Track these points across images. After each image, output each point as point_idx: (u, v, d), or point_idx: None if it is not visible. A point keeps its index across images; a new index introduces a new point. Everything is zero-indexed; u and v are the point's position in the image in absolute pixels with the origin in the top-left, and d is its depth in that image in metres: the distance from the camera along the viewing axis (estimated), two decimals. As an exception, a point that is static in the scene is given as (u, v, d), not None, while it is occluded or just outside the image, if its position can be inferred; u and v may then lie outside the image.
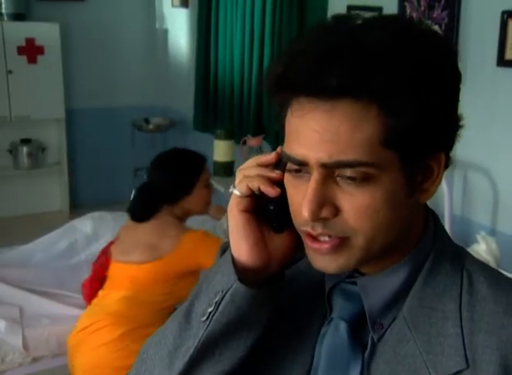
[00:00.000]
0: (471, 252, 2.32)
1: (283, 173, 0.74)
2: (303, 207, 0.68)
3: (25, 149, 4.76)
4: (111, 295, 2.20)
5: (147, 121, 4.96)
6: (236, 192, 0.75)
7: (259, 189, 0.74)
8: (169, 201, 2.23)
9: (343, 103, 0.65)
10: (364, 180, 0.66)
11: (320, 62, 0.64)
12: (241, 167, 0.78)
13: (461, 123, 0.72)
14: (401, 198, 0.69)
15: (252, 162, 0.77)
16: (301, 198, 0.69)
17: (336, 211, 0.68)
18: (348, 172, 0.66)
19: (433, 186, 0.72)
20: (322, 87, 0.65)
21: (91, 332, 2.12)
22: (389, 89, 0.64)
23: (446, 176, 2.72)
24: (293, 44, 0.70)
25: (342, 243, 0.69)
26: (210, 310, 0.73)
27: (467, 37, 2.52)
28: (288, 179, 0.73)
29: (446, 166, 0.73)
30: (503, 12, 2.32)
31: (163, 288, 2.16)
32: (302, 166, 0.69)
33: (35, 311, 2.62)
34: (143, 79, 5.17)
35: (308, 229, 0.70)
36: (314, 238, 0.70)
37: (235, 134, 3.78)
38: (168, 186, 2.22)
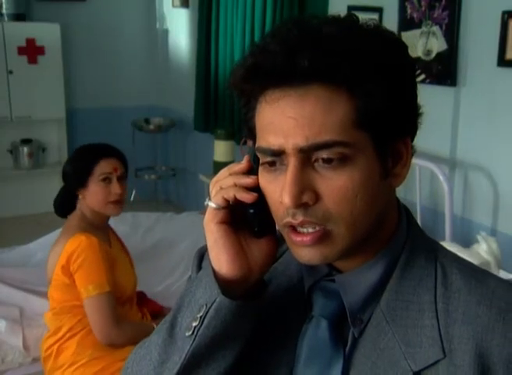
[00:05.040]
0: (472, 252, 2.31)
1: (257, 177, 0.75)
2: (283, 194, 0.69)
3: (25, 149, 4.76)
4: (47, 316, 2.15)
5: (147, 121, 4.96)
6: (212, 205, 0.76)
7: (235, 198, 0.74)
8: (72, 194, 2.09)
9: (314, 88, 0.68)
10: (340, 161, 0.69)
11: (289, 49, 0.67)
12: (215, 179, 0.78)
13: (421, 110, 0.76)
14: (377, 180, 0.71)
15: (225, 172, 0.78)
16: (280, 191, 0.70)
17: (316, 197, 0.69)
18: (325, 154, 0.68)
19: (403, 170, 0.75)
20: (293, 71, 0.67)
21: (53, 363, 2.08)
22: (355, 73, 0.68)
23: (446, 177, 2.71)
24: (259, 42, 0.72)
25: (324, 234, 0.70)
26: (195, 325, 0.74)
27: (468, 37, 2.52)
28: (263, 176, 0.74)
29: (411, 155, 0.76)
30: (504, 13, 2.32)
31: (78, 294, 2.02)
32: (277, 157, 0.70)
33: (35, 311, 2.62)
34: (143, 79, 5.17)
35: (290, 219, 0.71)
36: (297, 232, 0.71)
37: (235, 135, 3.78)
38: (67, 177, 2.11)
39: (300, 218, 0.70)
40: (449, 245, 2.08)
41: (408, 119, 0.74)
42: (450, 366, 0.70)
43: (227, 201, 0.75)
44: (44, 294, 2.67)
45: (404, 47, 0.74)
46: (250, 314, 0.75)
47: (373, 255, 0.76)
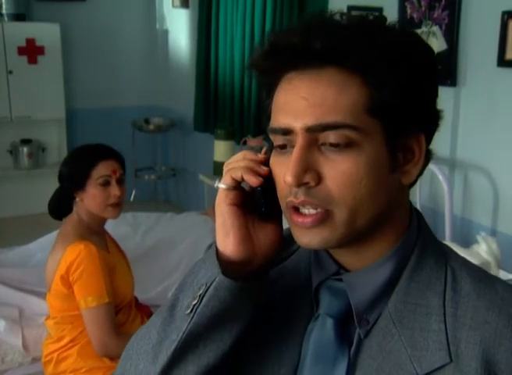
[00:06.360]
0: (472, 253, 2.30)
1: (269, 169, 0.76)
2: (286, 173, 0.69)
3: (25, 149, 4.75)
4: (49, 324, 2.13)
5: (147, 121, 4.96)
6: (222, 185, 0.76)
7: (242, 179, 0.75)
8: (69, 196, 2.04)
9: (329, 71, 0.69)
10: (347, 146, 0.69)
11: (306, 31, 0.70)
12: (228, 161, 0.79)
13: (441, 114, 0.76)
14: (384, 172, 0.71)
15: (240, 156, 0.78)
16: (286, 171, 0.70)
17: (319, 178, 0.70)
18: (332, 136, 0.69)
19: (415, 168, 0.74)
20: (307, 51, 0.69)
21: (53, 369, 2.07)
22: (369, 61, 0.68)
23: (446, 177, 2.71)
24: (279, 30, 0.75)
25: (325, 216, 0.70)
26: (194, 303, 0.74)
27: (468, 37, 2.52)
28: (274, 159, 0.75)
29: (428, 160, 0.76)
30: (504, 13, 2.32)
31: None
32: (287, 137, 0.71)
33: (34, 311, 2.62)
34: (143, 79, 5.17)
35: (291, 198, 0.71)
36: (298, 213, 0.71)
37: (235, 135, 3.78)
38: (64, 179, 2.05)
39: (301, 197, 0.70)
40: (449, 245, 2.08)
41: (422, 116, 0.73)
42: (456, 371, 0.69)
43: (236, 181, 0.75)
44: (43, 295, 2.67)
45: (427, 48, 0.74)
46: (250, 298, 0.75)
47: (381, 255, 0.75)
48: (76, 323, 2.03)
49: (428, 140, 0.75)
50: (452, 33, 2.55)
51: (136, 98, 5.13)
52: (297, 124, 0.70)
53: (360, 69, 0.69)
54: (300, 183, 0.69)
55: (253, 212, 0.77)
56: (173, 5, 4.85)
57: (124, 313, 2.11)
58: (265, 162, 0.76)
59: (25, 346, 2.45)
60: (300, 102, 0.70)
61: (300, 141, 0.70)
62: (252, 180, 0.74)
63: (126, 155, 2.17)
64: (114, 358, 2.00)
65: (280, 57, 0.71)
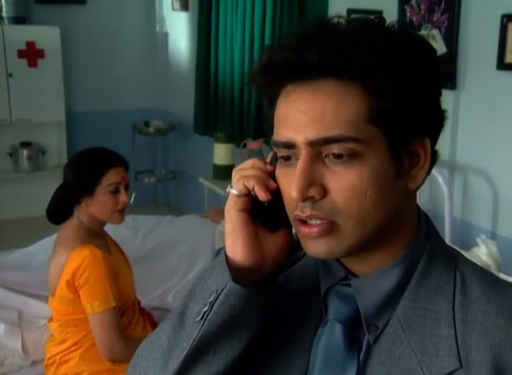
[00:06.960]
0: (472, 255, 2.29)
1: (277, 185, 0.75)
2: (291, 187, 0.69)
3: (25, 152, 4.76)
4: (52, 327, 2.13)
5: (147, 124, 4.96)
6: (234, 191, 0.76)
7: (253, 189, 0.75)
8: (73, 201, 2.03)
9: (327, 83, 0.69)
10: (350, 157, 0.68)
11: (300, 45, 0.68)
12: (238, 168, 0.79)
13: (446, 114, 0.75)
14: (389, 180, 0.71)
15: (249, 163, 0.78)
16: (291, 184, 0.70)
17: (324, 191, 0.70)
18: (335, 149, 0.68)
19: (420, 172, 0.74)
20: (302, 66, 0.68)
21: (54, 372, 2.07)
22: (369, 67, 0.67)
23: (446, 179, 2.70)
24: (274, 42, 0.75)
25: (331, 227, 0.70)
26: (204, 310, 0.73)
27: (467, 40, 2.53)
28: (279, 170, 0.74)
29: (434, 161, 0.75)
30: (503, 16, 2.33)
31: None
32: (290, 150, 0.71)
33: (34, 314, 2.61)
34: (143, 82, 5.18)
35: (298, 212, 0.71)
36: (305, 224, 0.71)
37: (235, 137, 3.78)
38: (70, 183, 2.03)
39: (307, 211, 0.70)
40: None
41: (425, 119, 0.72)
42: None
43: (247, 189, 0.76)
44: (43, 298, 2.68)
45: (427, 47, 0.73)
46: (260, 304, 0.75)
47: (390, 261, 0.75)
48: (80, 327, 2.03)
49: (433, 141, 0.74)
50: (451, 37, 2.55)
51: (136, 101, 5.14)
52: (299, 138, 0.69)
53: (360, 76, 0.68)
54: (305, 198, 0.69)
55: (262, 220, 0.77)
56: (173, 8, 4.86)
57: (127, 316, 2.11)
58: (273, 174, 0.76)
59: (24, 349, 2.45)
60: (300, 116, 0.69)
61: (303, 155, 0.69)
62: (262, 196, 0.74)
63: (126, 157, 2.16)
64: (118, 361, 2.00)
65: (276, 73, 0.71)
